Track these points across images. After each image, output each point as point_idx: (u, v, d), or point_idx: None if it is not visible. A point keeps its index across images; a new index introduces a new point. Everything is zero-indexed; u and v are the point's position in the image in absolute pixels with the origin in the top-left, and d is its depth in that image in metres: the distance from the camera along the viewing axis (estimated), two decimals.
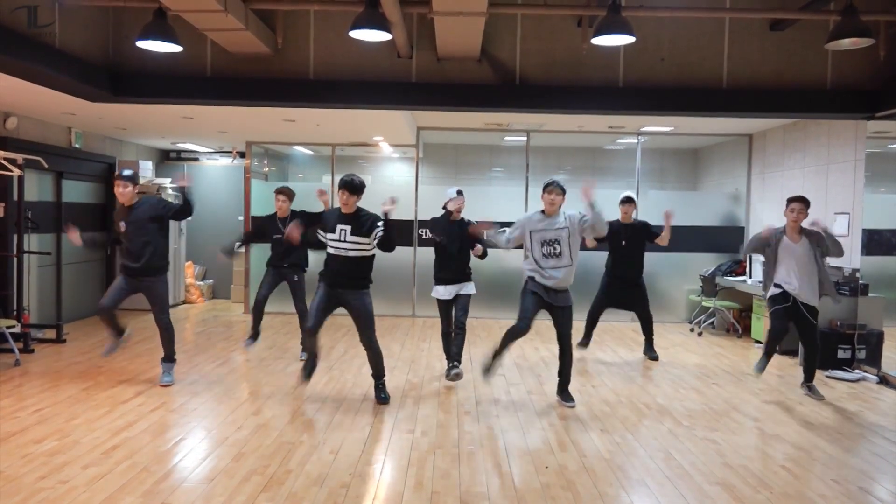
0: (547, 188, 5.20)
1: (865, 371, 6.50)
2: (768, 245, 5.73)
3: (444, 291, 5.92)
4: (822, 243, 5.56)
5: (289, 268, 6.43)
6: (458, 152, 12.02)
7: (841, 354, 6.62)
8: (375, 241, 4.98)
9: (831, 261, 7.19)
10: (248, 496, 3.55)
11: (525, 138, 9.82)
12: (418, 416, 4.99)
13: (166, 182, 10.09)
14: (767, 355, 5.87)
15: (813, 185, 7.80)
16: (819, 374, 6.51)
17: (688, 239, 9.44)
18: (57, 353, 6.82)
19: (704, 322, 8.83)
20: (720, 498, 3.67)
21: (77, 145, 8.82)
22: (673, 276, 9.48)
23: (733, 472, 4.03)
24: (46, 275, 8.34)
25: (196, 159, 11.53)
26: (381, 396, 5.30)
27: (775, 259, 5.69)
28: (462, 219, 5.95)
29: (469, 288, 5.97)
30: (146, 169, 9.94)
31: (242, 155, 10.31)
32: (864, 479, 3.99)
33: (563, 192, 5.17)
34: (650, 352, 7.10)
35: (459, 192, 5.95)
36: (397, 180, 12.21)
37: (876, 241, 6.70)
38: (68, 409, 4.95)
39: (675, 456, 4.28)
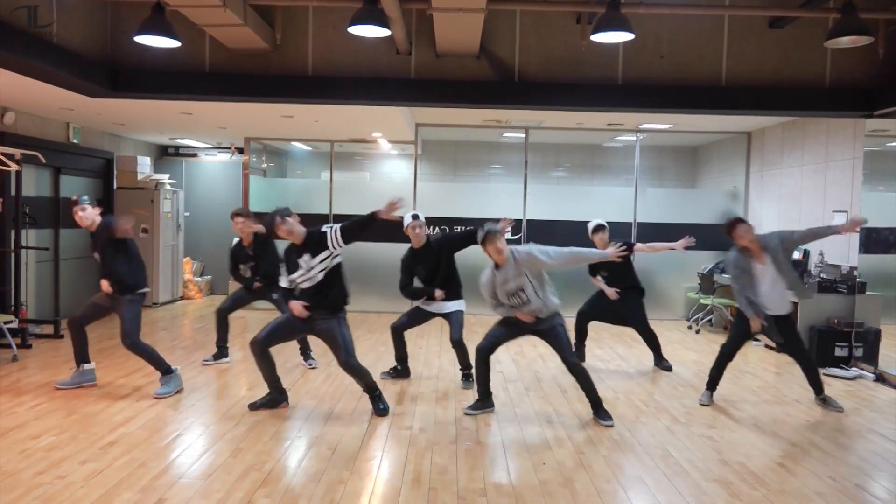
0: (484, 242, 4.64)
1: (862, 369, 6.51)
2: (746, 272, 5.20)
3: (429, 305, 5.64)
4: (785, 241, 5.14)
5: (263, 289, 6.08)
6: (456, 149, 12.01)
7: (838, 352, 6.63)
8: (339, 237, 4.55)
9: (829, 258, 7.23)
10: (246, 492, 3.56)
11: (524, 135, 9.81)
12: (416, 413, 5.00)
13: (164, 178, 10.08)
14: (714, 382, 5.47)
15: (811, 182, 7.80)
16: None
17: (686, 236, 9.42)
18: (55, 349, 6.81)
19: (702, 319, 8.84)
20: (717, 495, 3.68)
21: (75, 140, 8.81)
22: (671, 273, 9.48)
23: (730, 469, 4.04)
24: (44, 270, 8.34)
25: (194, 155, 11.52)
26: (380, 408, 4.92)
27: (752, 282, 5.20)
28: (428, 240, 5.58)
29: (459, 305, 5.63)
30: (144, 165, 9.93)
31: (241, 151, 10.30)
32: (860, 477, 4.00)
33: (500, 234, 4.68)
34: (661, 362, 6.60)
35: (415, 217, 5.56)
36: (396, 177, 12.21)
37: (874, 240, 6.71)
38: (66, 405, 4.95)
39: (673, 453, 4.29)
